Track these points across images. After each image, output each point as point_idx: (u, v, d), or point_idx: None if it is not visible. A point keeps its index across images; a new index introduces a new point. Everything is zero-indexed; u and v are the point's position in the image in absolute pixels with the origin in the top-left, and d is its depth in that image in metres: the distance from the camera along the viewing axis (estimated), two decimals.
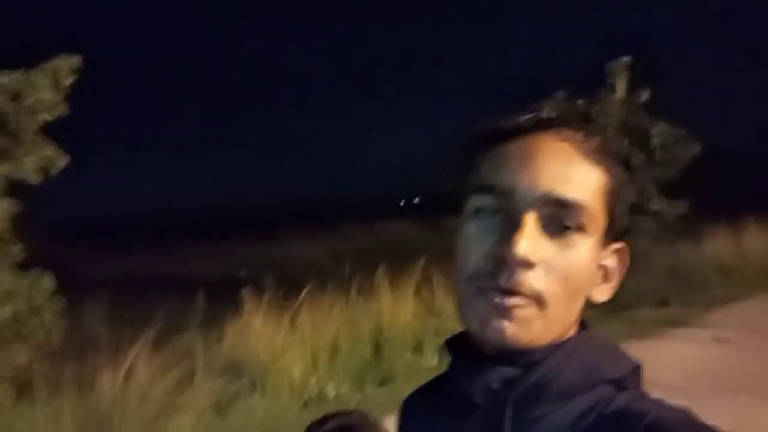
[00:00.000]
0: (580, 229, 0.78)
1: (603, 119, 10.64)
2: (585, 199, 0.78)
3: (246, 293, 6.71)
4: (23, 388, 5.17)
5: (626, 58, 10.79)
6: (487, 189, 0.80)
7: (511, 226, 0.77)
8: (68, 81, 5.44)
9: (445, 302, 7.65)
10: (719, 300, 10.50)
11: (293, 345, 6.32)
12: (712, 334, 8.15)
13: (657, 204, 10.66)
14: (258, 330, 6.30)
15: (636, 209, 10.43)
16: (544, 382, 0.78)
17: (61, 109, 5.38)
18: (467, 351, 0.83)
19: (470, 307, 0.79)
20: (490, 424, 0.78)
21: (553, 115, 0.81)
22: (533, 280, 0.76)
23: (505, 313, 0.76)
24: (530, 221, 0.77)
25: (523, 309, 0.77)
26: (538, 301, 0.77)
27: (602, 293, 0.84)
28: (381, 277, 7.55)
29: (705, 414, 0.75)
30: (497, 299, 0.77)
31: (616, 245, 0.84)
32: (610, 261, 0.84)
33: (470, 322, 0.80)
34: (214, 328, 6.42)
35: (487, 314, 0.77)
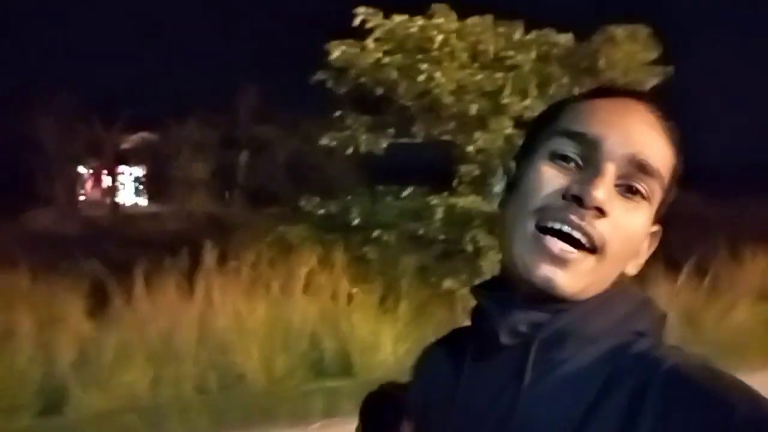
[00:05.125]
0: (647, 197, 0.79)
1: None
2: (661, 170, 0.79)
3: None
4: None
5: None
6: (573, 135, 0.79)
7: (592, 172, 0.77)
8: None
9: None
10: None
11: None
12: None
13: None
14: None
15: None
16: (571, 328, 0.78)
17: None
18: (498, 294, 0.83)
19: (526, 245, 0.78)
20: (513, 364, 0.80)
21: (638, 89, 0.84)
22: (603, 227, 0.76)
23: (561, 261, 0.76)
24: (611, 172, 0.77)
25: (581, 262, 0.77)
26: (599, 250, 0.77)
27: (634, 267, 0.84)
28: None
29: None
30: (558, 247, 0.76)
31: (655, 227, 0.84)
32: (648, 239, 0.84)
33: (519, 259, 0.79)
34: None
35: (541, 257, 0.77)
